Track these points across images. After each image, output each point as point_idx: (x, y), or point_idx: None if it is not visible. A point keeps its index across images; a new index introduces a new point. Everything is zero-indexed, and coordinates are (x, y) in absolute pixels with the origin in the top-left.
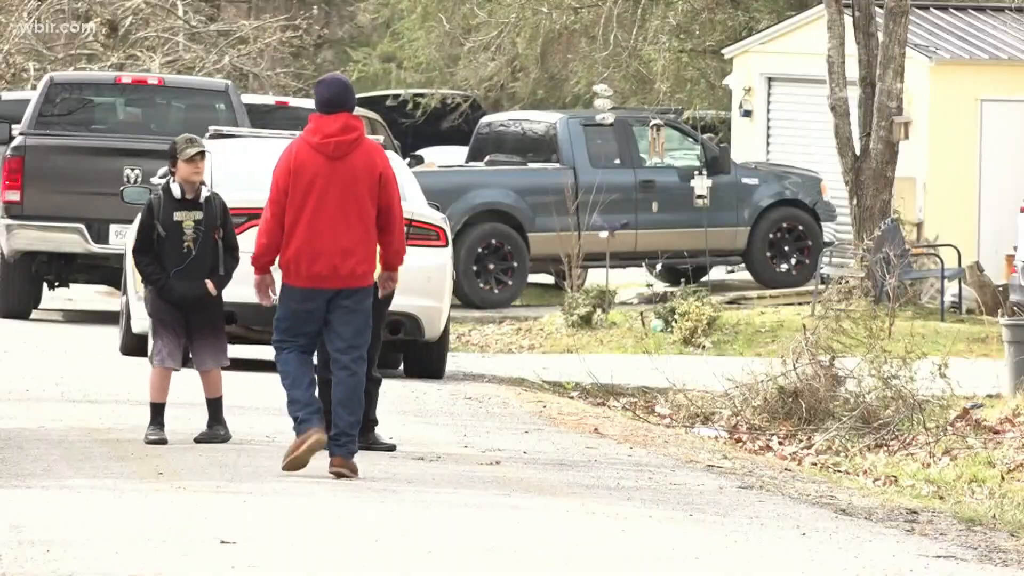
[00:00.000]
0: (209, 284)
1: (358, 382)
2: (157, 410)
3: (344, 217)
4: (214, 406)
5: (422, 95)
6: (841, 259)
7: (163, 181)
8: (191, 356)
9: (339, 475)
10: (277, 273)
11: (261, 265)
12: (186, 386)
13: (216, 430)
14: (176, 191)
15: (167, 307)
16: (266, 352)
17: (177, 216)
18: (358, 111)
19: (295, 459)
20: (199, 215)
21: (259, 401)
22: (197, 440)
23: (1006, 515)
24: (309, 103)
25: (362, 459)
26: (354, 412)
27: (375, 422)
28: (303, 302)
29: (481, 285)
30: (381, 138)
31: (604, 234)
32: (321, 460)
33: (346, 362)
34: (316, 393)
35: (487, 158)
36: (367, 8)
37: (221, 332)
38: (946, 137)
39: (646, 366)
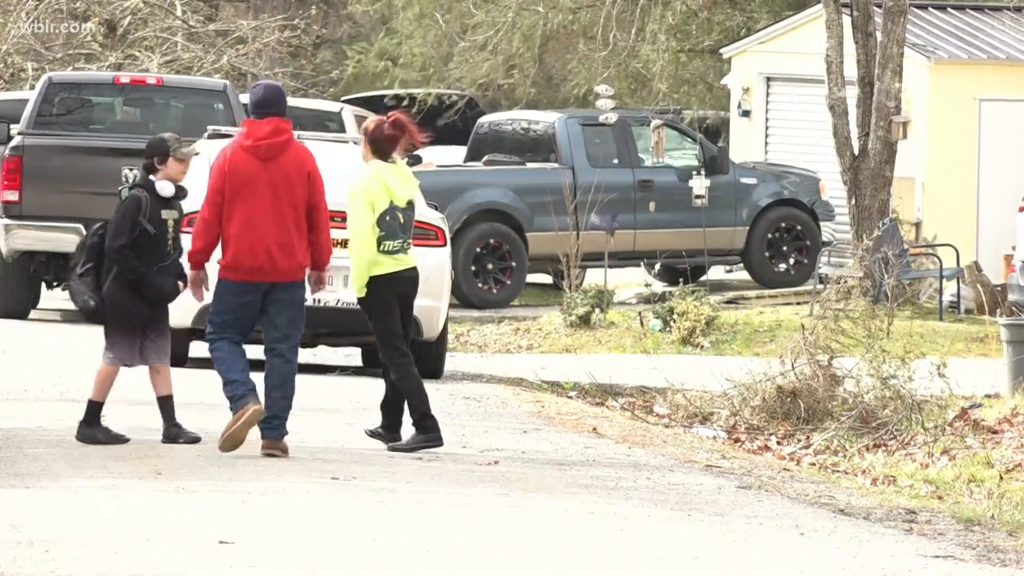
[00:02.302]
0: (181, 284)
1: (291, 369)
2: (96, 409)
3: (278, 214)
4: (167, 405)
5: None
6: (840, 259)
7: (133, 174)
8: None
9: (270, 455)
10: (213, 277)
11: (197, 262)
12: (184, 385)
13: (171, 431)
14: (165, 190)
15: (130, 305)
16: (261, 352)
17: (163, 215)
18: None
19: (232, 434)
20: (176, 213)
21: None
22: (164, 440)
23: (1004, 515)
24: (307, 103)
25: (362, 459)
26: (287, 396)
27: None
28: (242, 295)
29: (480, 285)
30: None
31: (605, 232)
32: (329, 458)
33: (281, 350)
34: (249, 374)
35: (485, 158)
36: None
37: (168, 329)
38: (945, 137)
39: (644, 366)
